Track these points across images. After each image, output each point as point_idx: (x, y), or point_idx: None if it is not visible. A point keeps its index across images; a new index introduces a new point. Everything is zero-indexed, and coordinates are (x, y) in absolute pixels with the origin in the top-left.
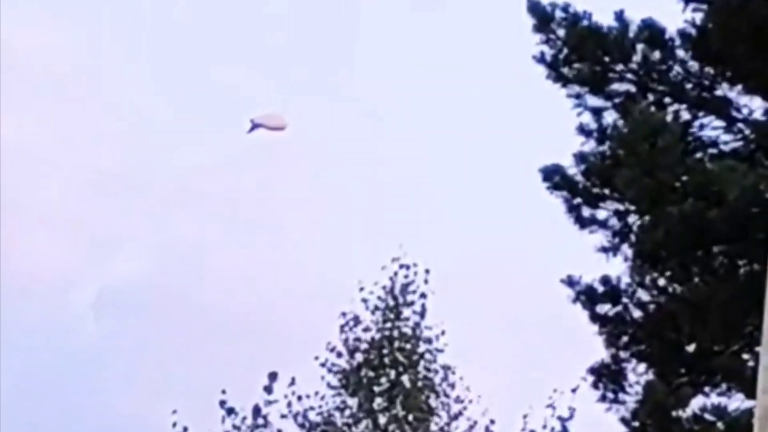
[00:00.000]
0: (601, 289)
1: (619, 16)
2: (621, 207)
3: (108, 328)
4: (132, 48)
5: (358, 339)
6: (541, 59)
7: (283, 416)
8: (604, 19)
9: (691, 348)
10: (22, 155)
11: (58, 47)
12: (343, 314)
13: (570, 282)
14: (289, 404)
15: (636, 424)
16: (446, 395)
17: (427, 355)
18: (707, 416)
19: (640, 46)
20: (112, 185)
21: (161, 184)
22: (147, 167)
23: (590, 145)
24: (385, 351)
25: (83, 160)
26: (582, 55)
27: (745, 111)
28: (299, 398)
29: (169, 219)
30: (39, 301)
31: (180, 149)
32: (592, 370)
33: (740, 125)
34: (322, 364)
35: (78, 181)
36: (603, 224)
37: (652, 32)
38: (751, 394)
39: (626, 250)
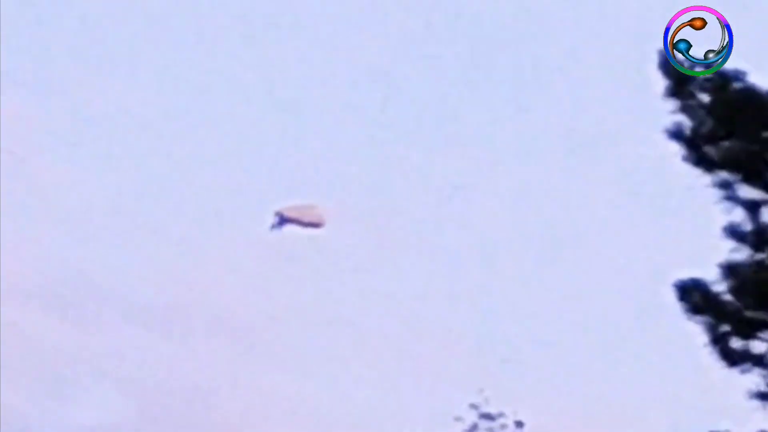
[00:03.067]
0: None
1: None
2: None
3: None
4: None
5: None
6: (676, 134)
7: None
8: (766, 81)
9: None
10: None
11: None
12: None
13: None
14: None
15: None
16: None
17: None
18: None
19: None
20: (80, 307)
21: (146, 306)
22: (124, 282)
23: (743, 253)
24: None
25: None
26: (733, 129)
27: None
28: None
29: (154, 347)
30: None
31: (168, 251)
32: None
33: None
34: None
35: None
36: (760, 361)
37: None
38: None
39: None
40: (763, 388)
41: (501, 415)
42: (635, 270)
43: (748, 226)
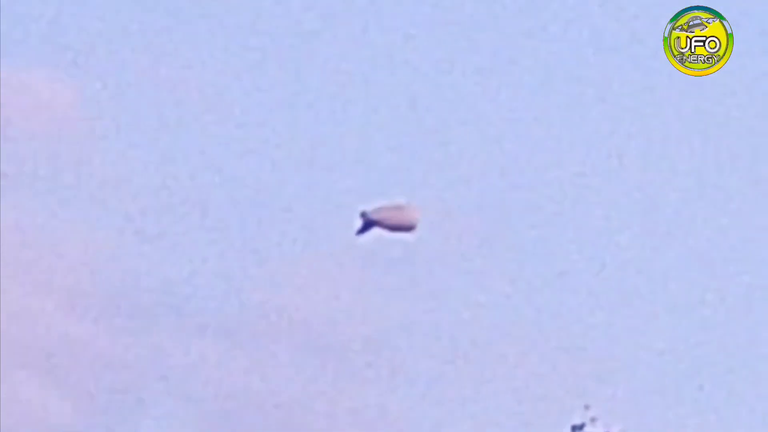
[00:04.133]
0: None
1: None
2: None
3: None
4: None
5: None
6: None
7: None
8: None
9: None
10: None
11: None
12: None
13: None
14: None
15: None
16: None
17: None
18: None
19: None
20: (152, 320)
21: (223, 318)
22: (199, 293)
23: None
24: None
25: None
26: None
27: None
28: None
29: (231, 360)
30: None
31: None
32: None
33: None
34: None
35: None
36: None
37: None
38: None
39: None
40: None
41: None
42: (750, 273)
43: None
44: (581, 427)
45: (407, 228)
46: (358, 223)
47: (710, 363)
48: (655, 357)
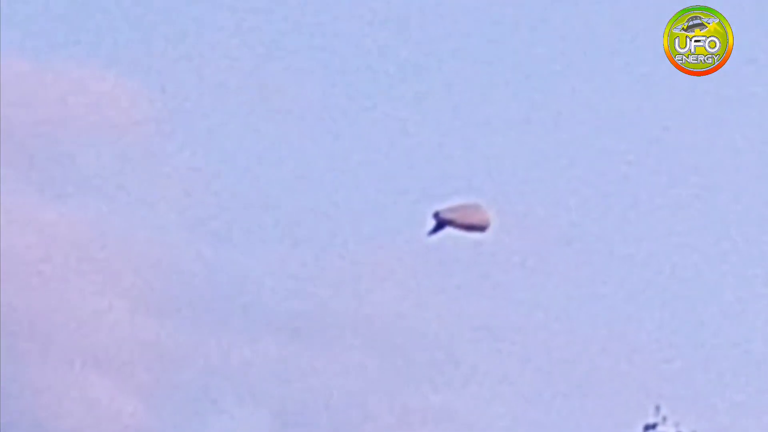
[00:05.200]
0: None
1: None
2: None
3: None
4: None
5: None
6: None
7: None
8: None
9: None
10: None
11: None
12: None
13: None
14: None
15: None
16: None
17: None
18: None
19: None
20: (219, 319)
21: (289, 316)
22: (266, 291)
23: None
24: None
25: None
26: None
27: None
28: None
29: (298, 359)
30: None
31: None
32: None
33: None
34: None
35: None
36: None
37: None
38: None
39: None
40: None
41: None
42: None
43: None
44: (654, 426)
45: (480, 228)
46: (431, 223)
47: None
48: (725, 356)
